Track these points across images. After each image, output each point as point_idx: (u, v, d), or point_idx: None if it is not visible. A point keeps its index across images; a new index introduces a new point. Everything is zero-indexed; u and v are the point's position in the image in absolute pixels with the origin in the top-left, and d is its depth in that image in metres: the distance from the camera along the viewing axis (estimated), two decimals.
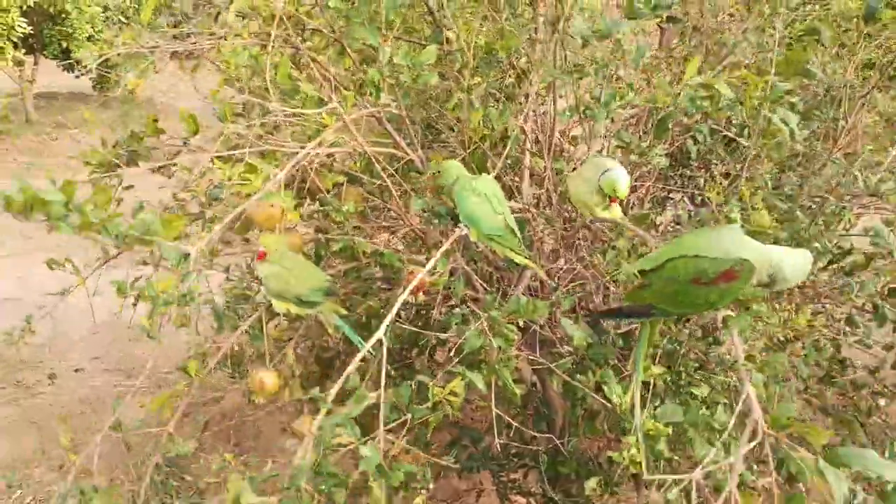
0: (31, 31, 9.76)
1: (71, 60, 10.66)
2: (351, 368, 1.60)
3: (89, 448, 1.88)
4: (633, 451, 1.70)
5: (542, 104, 2.53)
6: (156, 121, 2.02)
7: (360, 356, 1.62)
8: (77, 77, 10.18)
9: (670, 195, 3.00)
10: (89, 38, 10.04)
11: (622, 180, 1.86)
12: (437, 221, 2.11)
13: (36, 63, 11.24)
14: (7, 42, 9.16)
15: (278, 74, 1.76)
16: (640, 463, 1.67)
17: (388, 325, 1.66)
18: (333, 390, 1.60)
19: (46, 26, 10.42)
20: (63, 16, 10.12)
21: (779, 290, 1.59)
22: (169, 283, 1.39)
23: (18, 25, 9.20)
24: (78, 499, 1.81)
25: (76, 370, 5.03)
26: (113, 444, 2.17)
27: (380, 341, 1.63)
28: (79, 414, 4.44)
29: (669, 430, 1.76)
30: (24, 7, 9.23)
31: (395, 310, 1.67)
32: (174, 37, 2.07)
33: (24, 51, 10.21)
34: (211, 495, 3.73)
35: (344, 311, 1.96)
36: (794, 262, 1.51)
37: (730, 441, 1.59)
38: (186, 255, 1.37)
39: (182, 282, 1.40)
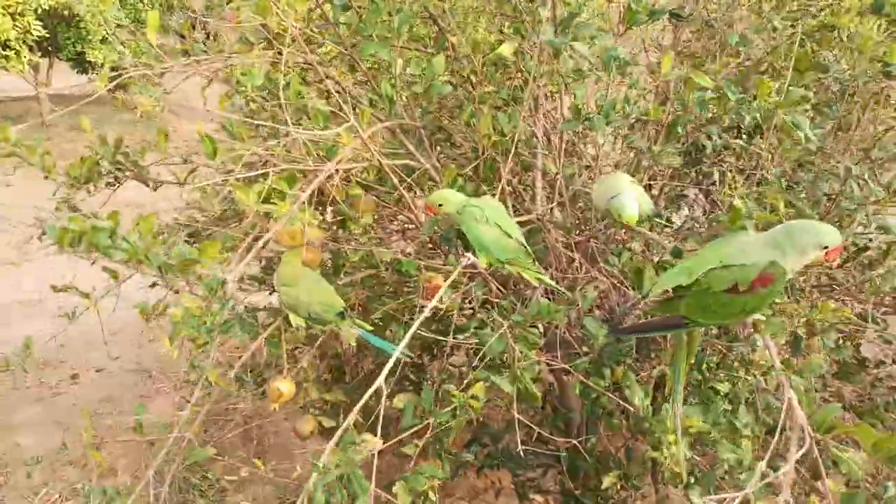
0: (47, 35, 9.84)
1: (85, 64, 10.75)
2: (370, 391, 1.59)
3: (112, 447, 1.91)
4: (674, 448, 1.72)
5: (553, 104, 2.53)
6: (166, 136, 2.02)
7: (388, 368, 1.63)
8: (90, 80, 10.26)
9: (684, 192, 2.98)
10: (103, 41, 10.09)
11: (628, 207, 1.89)
12: (447, 246, 2.13)
13: (51, 66, 11.34)
14: (23, 45, 9.24)
15: (290, 92, 1.77)
16: (679, 464, 1.69)
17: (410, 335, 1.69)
18: (350, 418, 1.59)
19: (61, 29, 10.51)
20: (77, 19, 10.19)
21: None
22: (197, 308, 1.41)
23: (34, 29, 9.29)
24: (100, 499, 1.85)
25: (98, 370, 5.12)
26: (135, 441, 2.21)
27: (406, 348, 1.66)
28: (100, 413, 4.52)
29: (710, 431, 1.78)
30: (39, 10, 9.31)
31: (417, 323, 1.68)
32: (185, 51, 2.09)
33: (39, 54, 10.31)
34: (232, 493, 3.79)
35: (369, 327, 1.99)
36: (802, 232, 1.50)
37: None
38: (223, 282, 1.39)
39: (221, 308, 1.42)
